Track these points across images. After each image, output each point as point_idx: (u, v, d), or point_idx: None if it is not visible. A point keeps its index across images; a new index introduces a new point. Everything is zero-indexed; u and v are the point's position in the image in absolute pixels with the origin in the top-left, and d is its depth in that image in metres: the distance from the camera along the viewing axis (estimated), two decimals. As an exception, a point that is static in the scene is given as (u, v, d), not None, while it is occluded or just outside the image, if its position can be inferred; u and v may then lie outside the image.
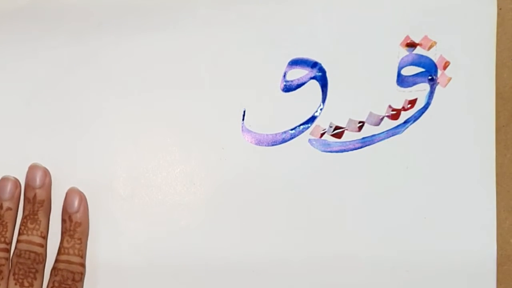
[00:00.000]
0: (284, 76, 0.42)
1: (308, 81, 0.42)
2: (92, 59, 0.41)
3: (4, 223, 0.39)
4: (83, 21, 0.41)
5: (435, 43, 0.42)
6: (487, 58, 0.42)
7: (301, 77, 0.42)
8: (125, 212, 0.41)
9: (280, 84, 0.42)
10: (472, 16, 0.42)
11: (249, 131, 0.41)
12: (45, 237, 0.39)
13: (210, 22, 0.41)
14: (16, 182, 0.40)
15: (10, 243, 0.39)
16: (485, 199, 0.41)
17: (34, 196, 0.39)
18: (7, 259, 0.38)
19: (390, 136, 0.41)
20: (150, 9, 0.41)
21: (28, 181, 0.39)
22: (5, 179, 0.40)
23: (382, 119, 0.41)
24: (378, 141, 0.41)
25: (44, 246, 0.39)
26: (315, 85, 0.42)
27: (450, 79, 0.42)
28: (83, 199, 0.40)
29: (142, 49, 0.41)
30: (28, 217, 0.39)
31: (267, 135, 0.41)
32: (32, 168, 0.40)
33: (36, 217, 0.39)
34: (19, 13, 0.41)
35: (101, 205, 0.41)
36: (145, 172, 0.41)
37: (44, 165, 0.40)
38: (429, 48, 0.42)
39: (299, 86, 0.42)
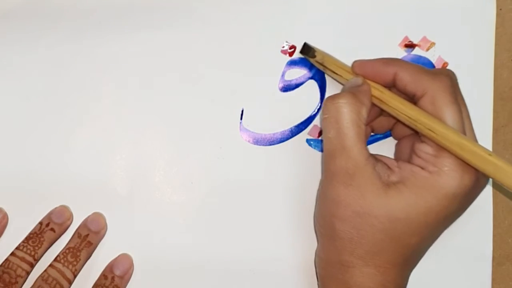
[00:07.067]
0: (283, 75, 0.42)
1: (306, 81, 0.42)
2: (91, 57, 0.41)
3: (41, 239, 0.39)
4: (82, 20, 0.41)
5: (434, 43, 0.42)
6: (486, 59, 0.41)
7: (299, 77, 0.42)
8: (122, 211, 0.41)
9: (278, 84, 0.42)
10: (471, 17, 0.41)
11: (247, 131, 0.41)
12: (75, 277, 0.39)
13: (209, 21, 0.41)
14: (71, 216, 0.40)
15: (37, 260, 0.39)
16: (482, 199, 0.41)
17: (86, 235, 0.39)
18: (28, 273, 0.38)
19: (388, 136, 0.41)
20: (148, 8, 0.41)
21: (87, 222, 0.40)
22: (64, 207, 0.40)
23: (380, 119, 0.41)
24: (376, 141, 0.41)
25: (71, 284, 0.38)
26: (313, 85, 0.42)
27: (448, 79, 0.41)
28: (132, 269, 0.40)
29: (140, 48, 0.41)
30: (71, 249, 0.39)
31: (265, 134, 0.41)
32: (97, 215, 0.40)
33: (78, 253, 0.39)
34: (18, 11, 0.41)
35: (98, 204, 0.41)
36: (143, 171, 0.41)
37: (41, 163, 0.41)
38: (428, 49, 0.42)
39: (297, 86, 0.42)
